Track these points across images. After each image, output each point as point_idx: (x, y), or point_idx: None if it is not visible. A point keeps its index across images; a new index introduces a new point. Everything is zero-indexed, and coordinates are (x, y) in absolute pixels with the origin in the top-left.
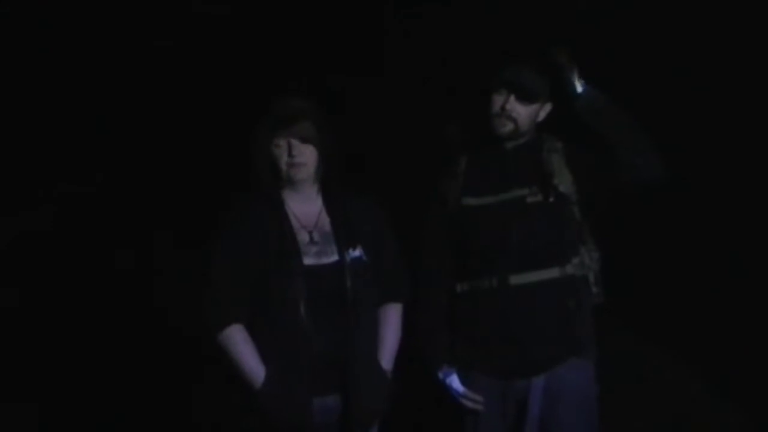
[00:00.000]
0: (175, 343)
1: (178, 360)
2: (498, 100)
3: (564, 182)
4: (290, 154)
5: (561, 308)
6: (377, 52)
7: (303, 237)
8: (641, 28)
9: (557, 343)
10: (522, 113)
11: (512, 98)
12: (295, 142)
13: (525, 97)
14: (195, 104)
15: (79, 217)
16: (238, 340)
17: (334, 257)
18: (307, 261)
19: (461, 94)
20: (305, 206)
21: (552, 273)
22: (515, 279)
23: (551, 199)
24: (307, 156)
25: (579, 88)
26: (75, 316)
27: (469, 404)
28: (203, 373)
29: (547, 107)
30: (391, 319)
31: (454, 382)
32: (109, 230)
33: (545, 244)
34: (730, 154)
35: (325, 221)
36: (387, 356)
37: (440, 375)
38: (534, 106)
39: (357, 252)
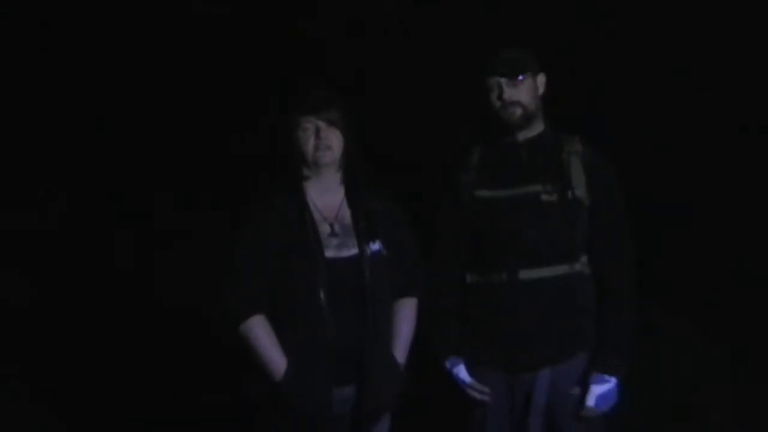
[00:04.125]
0: (181, 334)
1: (183, 350)
2: (494, 93)
3: (579, 187)
4: (318, 137)
5: (569, 304)
6: (383, 49)
7: (324, 229)
8: (641, 27)
9: (564, 337)
10: (521, 93)
11: (504, 84)
12: (322, 125)
13: (513, 73)
14: (195, 104)
15: (79, 217)
16: (261, 331)
17: (354, 250)
18: (328, 253)
19: (471, 89)
20: (327, 198)
21: (561, 269)
22: (525, 274)
23: (567, 201)
24: (333, 140)
25: (591, 402)
26: (76, 312)
27: (476, 395)
28: (215, 364)
29: (542, 78)
30: (407, 313)
31: (462, 372)
32: (108, 227)
33: (556, 242)
34: (729, 154)
35: (346, 213)
36: (401, 349)
37: (448, 365)
38: (528, 82)
39: (376, 246)
